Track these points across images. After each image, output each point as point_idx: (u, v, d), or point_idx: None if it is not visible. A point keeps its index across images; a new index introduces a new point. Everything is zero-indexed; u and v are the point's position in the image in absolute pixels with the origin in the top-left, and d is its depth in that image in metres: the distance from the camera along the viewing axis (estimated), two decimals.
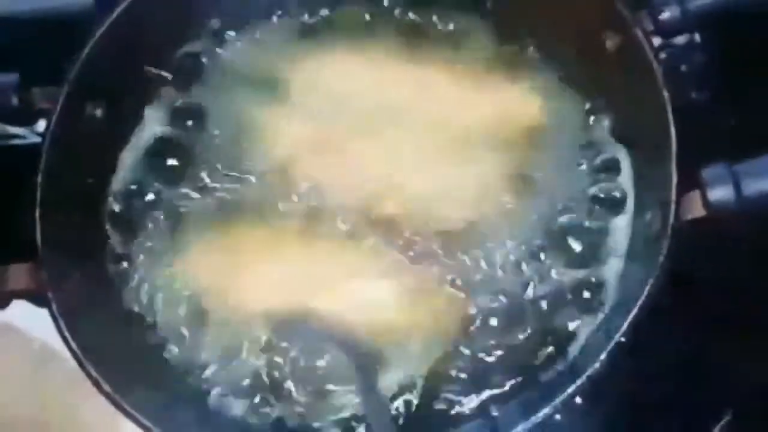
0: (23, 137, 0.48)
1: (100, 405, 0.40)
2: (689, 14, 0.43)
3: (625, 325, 0.39)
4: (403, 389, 0.43)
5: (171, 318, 0.45)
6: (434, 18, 0.50)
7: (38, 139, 0.46)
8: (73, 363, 0.41)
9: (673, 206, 0.40)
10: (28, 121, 0.47)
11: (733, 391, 0.45)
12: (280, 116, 0.49)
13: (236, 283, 0.45)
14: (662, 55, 0.43)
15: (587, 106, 0.47)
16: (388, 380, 0.42)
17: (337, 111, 0.48)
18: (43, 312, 0.42)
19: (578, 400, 0.40)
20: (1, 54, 0.53)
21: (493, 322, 0.43)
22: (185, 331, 0.45)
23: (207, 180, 0.48)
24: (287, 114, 0.49)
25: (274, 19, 0.51)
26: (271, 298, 0.44)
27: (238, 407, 0.43)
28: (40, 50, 0.53)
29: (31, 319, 0.47)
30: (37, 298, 0.43)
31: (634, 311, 0.39)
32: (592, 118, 0.47)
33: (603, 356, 0.38)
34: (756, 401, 0.45)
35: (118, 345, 0.44)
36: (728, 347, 0.45)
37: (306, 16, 0.51)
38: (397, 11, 0.50)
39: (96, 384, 0.40)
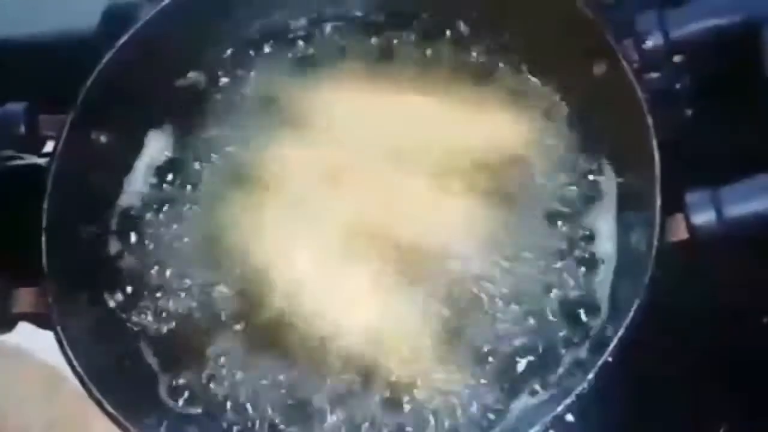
0: (30, 163, 0.49)
1: (108, 426, 0.41)
2: (673, 42, 0.44)
3: (612, 345, 0.39)
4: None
5: None
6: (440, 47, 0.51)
7: (44, 165, 0.47)
8: (76, 384, 0.42)
9: (657, 228, 0.40)
10: (35, 147, 0.49)
11: (726, 408, 0.46)
12: (286, 144, 0.50)
13: None
14: (647, 79, 0.44)
15: (574, 129, 0.48)
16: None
17: (342, 141, 0.49)
18: (50, 334, 0.43)
19: (570, 417, 0.41)
20: (8, 83, 0.55)
21: (481, 341, 0.44)
22: None
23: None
24: (293, 142, 0.50)
25: (283, 46, 0.52)
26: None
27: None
28: (46, 78, 0.54)
29: (39, 342, 0.47)
30: (42, 320, 0.44)
31: (621, 331, 0.39)
32: (577, 141, 0.48)
33: (591, 376, 0.39)
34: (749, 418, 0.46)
35: (122, 366, 0.45)
36: (716, 370, 0.46)
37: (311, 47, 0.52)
38: (409, 42, 0.51)
39: (99, 405, 0.41)
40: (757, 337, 0.47)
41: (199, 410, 0.44)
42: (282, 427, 0.44)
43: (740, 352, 0.46)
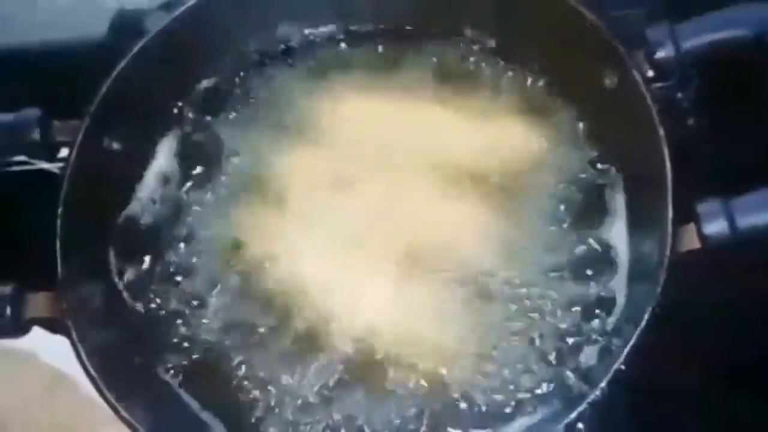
0: (44, 170, 0.49)
1: (114, 430, 0.41)
2: (684, 54, 0.44)
3: (624, 353, 0.40)
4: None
5: None
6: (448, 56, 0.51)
7: (57, 172, 0.47)
8: (87, 389, 0.42)
9: (669, 239, 0.41)
10: (49, 154, 0.49)
11: (738, 417, 0.46)
12: (295, 152, 0.50)
13: None
14: (658, 89, 0.44)
15: (585, 140, 0.48)
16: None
17: (351, 148, 0.49)
18: (58, 338, 0.43)
19: (580, 425, 0.41)
20: (22, 89, 0.55)
21: (490, 343, 0.44)
22: None
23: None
24: (303, 150, 0.50)
25: (292, 55, 0.53)
26: None
27: None
28: (61, 86, 0.54)
29: (46, 346, 0.48)
30: (55, 325, 0.44)
31: (633, 340, 0.40)
32: (588, 152, 0.48)
33: (603, 383, 0.39)
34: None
35: (136, 372, 0.45)
36: (728, 378, 0.46)
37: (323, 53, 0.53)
38: (419, 51, 0.52)
39: (114, 410, 0.41)
40: None
41: (217, 416, 0.45)
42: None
43: (754, 361, 0.46)
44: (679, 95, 0.50)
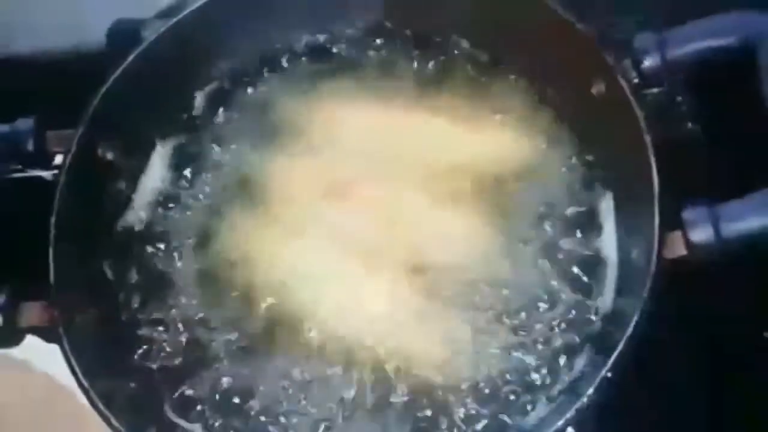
0: (37, 177, 0.49)
1: None
2: (671, 62, 0.44)
3: (612, 360, 0.40)
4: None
5: None
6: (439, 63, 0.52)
7: (52, 180, 0.47)
8: (82, 399, 0.42)
9: (656, 245, 0.41)
10: (43, 163, 0.49)
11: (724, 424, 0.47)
12: (291, 159, 0.50)
13: None
14: (645, 97, 0.45)
15: (573, 147, 0.49)
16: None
17: (345, 155, 0.50)
18: (54, 348, 0.44)
19: (570, 430, 0.41)
20: (17, 99, 0.55)
21: (483, 353, 0.44)
22: None
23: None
24: (298, 157, 0.50)
25: (286, 63, 0.53)
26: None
27: None
28: (55, 95, 0.55)
29: (41, 355, 0.48)
30: (48, 334, 0.44)
31: (620, 347, 0.40)
32: (577, 159, 0.48)
33: (590, 390, 0.40)
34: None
35: (128, 381, 0.45)
36: (716, 385, 0.47)
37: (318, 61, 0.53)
38: (411, 58, 0.52)
39: (106, 420, 0.41)
40: (759, 352, 0.47)
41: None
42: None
43: (741, 366, 0.46)
44: (679, 98, 0.50)
